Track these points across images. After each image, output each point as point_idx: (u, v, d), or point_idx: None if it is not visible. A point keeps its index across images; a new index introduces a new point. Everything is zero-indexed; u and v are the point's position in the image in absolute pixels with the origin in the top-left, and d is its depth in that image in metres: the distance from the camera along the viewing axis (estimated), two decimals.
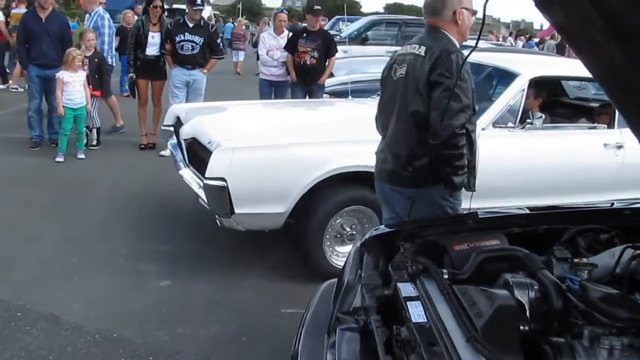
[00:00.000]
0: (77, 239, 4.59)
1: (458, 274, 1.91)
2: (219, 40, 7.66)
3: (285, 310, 3.63)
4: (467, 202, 3.92)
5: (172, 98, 7.19)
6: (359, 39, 13.90)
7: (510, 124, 4.40)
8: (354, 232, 4.16)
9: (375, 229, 2.52)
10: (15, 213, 5.02)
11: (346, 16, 14.30)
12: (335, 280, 2.29)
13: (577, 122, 4.99)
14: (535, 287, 1.67)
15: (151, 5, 7.35)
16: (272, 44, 7.60)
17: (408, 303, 1.74)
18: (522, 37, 27.62)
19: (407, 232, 2.23)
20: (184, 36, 7.05)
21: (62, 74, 6.56)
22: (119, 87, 10.76)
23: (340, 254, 4.09)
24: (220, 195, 3.74)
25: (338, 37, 14.44)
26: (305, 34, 7.40)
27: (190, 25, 7.09)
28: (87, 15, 7.78)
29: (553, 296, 1.63)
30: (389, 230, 2.41)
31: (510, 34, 33.34)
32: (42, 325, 3.37)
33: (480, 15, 2.34)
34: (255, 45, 19.09)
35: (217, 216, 3.95)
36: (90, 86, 6.97)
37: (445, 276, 1.87)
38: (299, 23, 17.57)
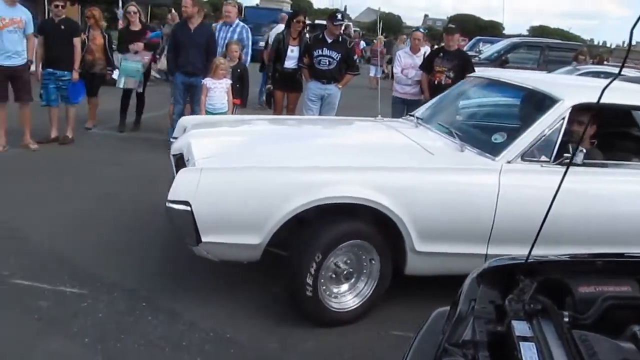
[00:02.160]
0: None
1: (580, 318, 1.78)
2: (355, 57, 7.77)
3: (394, 333, 3.58)
4: (484, 248, 3.65)
5: (306, 111, 7.39)
6: (499, 61, 13.57)
7: (543, 158, 3.77)
8: (351, 270, 3.63)
9: (495, 260, 2.42)
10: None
11: (487, 37, 13.95)
12: (447, 308, 2.22)
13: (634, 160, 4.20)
14: None
15: (294, 20, 7.61)
16: (408, 62, 7.60)
17: (521, 343, 1.65)
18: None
19: (529, 266, 2.12)
20: (322, 51, 7.23)
21: (207, 81, 6.91)
22: (257, 97, 11.20)
23: (335, 295, 3.64)
24: (185, 221, 3.31)
25: (477, 58, 14.17)
26: (441, 54, 7.34)
27: (329, 40, 7.26)
28: (219, 26, 8.15)
29: None
30: (509, 262, 2.29)
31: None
32: (162, 318, 3.56)
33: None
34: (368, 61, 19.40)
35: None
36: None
37: (566, 319, 1.75)
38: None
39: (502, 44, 15.79)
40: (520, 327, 1.75)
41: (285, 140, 4.44)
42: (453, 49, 7.40)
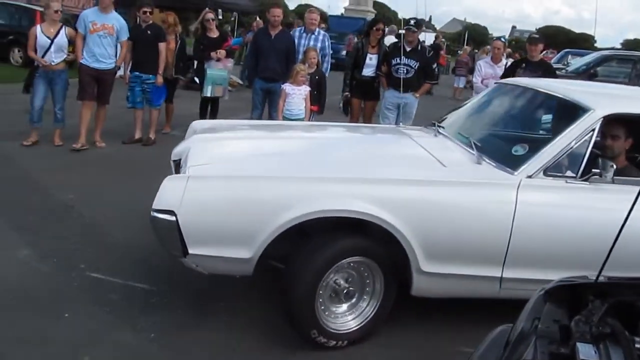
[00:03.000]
0: None
1: None
2: (434, 66, 7.65)
3: (461, 349, 3.46)
4: (499, 270, 3.35)
5: (383, 119, 7.35)
6: (587, 74, 13.02)
7: (569, 173, 3.46)
8: (352, 288, 3.38)
9: (564, 278, 2.29)
10: None
11: (576, 50, 13.48)
12: (510, 325, 2.12)
13: None
14: None
15: (373, 28, 7.59)
16: (488, 72, 7.44)
17: None
18: None
19: (600, 286, 1.99)
20: (400, 60, 7.17)
21: (286, 87, 6.98)
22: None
23: (335, 315, 3.40)
24: (169, 231, 3.11)
25: (564, 70, 13.69)
26: (524, 65, 7.11)
27: (408, 49, 7.18)
28: (298, 33, 8.16)
29: None
30: (579, 281, 2.17)
31: None
32: (226, 318, 3.64)
33: None
34: (453, 71, 19.18)
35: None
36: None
37: (638, 345, 1.63)
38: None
39: (591, 57, 15.15)
40: (585, 351, 1.64)
41: (290, 148, 4.20)
42: (536, 60, 7.16)
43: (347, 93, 7.82)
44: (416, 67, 7.15)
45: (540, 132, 4.16)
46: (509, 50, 18.73)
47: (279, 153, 3.94)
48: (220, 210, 3.16)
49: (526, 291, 3.42)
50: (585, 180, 3.41)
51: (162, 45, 7.70)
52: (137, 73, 7.73)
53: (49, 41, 6.92)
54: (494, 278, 3.36)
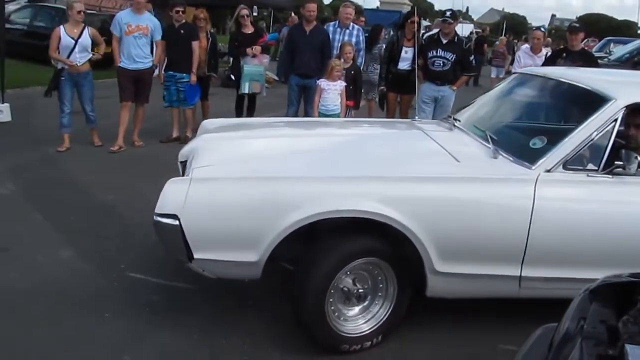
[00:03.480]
0: None
1: None
2: (471, 57, 7.51)
3: (503, 347, 3.39)
4: (517, 269, 3.21)
5: (419, 112, 7.23)
6: (630, 62, 12.65)
7: (591, 166, 3.29)
8: (364, 290, 3.29)
9: (611, 276, 2.20)
10: None
11: (619, 38, 13.11)
12: (554, 325, 2.05)
13: None
14: None
15: (408, 21, 7.50)
16: (528, 62, 7.29)
17: None
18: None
19: None
20: (436, 52, 7.07)
21: (322, 82, 6.94)
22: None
23: (346, 318, 3.29)
24: (173, 235, 3.04)
25: (606, 59, 13.33)
26: (565, 54, 6.94)
27: (444, 41, 7.07)
28: (332, 28, 8.08)
29: None
30: (627, 280, 2.09)
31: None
32: (267, 318, 3.63)
33: None
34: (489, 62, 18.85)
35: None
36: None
37: None
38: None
39: (634, 45, 14.72)
40: (635, 353, 1.58)
41: (298, 146, 4.00)
42: (577, 49, 6.97)
43: (382, 87, 7.75)
44: (453, 59, 7.04)
45: (560, 123, 3.98)
46: (549, 39, 18.35)
47: (286, 152, 3.82)
48: (224, 213, 3.07)
49: (549, 290, 3.38)
50: (608, 173, 3.26)
51: (195, 44, 7.72)
52: (172, 72, 7.80)
53: (73, 42, 6.93)
54: (513, 277, 3.24)
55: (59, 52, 6.98)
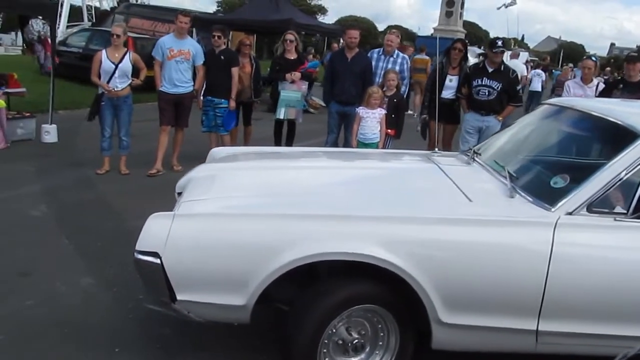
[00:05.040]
0: None
1: None
2: (518, 87, 7.22)
3: None
4: (534, 322, 2.87)
5: (462, 143, 6.99)
6: None
7: (618, 209, 2.95)
8: (361, 340, 3.01)
9: None
10: None
11: None
12: None
13: None
14: None
15: (452, 48, 7.29)
16: (578, 93, 6.94)
17: None
18: None
19: None
20: (482, 81, 6.82)
21: (360, 110, 6.78)
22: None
23: None
24: (154, 275, 2.82)
25: None
26: (622, 85, 6.57)
27: (490, 70, 6.82)
28: (376, 55, 7.89)
29: None
30: None
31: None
32: None
33: None
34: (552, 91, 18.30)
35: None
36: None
37: None
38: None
39: None
40: None
41: (298, 180, 3.73)
42: (636, 80, 6.58)
43: (425, 116, 7.52)
44: (499, 88, 6.77)
45: (587, 159, 3.66)
46: (607, 69, 17.70)
47: (283, 186, 3.55)
48: (208, 252, 2.83)
49: (572, 346, 3.02)
50: (638, 218, 2.92)
51: (234, 70, 7.68)
52: (210, 97, 7.77)
53: (114, 66, 6.95)
54: (529, 331, 2.91)
55: (99, 77, 7.01)
